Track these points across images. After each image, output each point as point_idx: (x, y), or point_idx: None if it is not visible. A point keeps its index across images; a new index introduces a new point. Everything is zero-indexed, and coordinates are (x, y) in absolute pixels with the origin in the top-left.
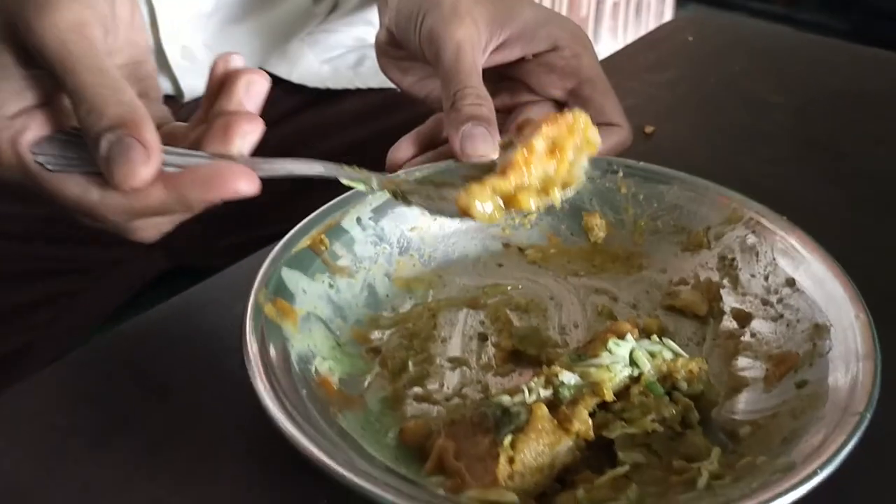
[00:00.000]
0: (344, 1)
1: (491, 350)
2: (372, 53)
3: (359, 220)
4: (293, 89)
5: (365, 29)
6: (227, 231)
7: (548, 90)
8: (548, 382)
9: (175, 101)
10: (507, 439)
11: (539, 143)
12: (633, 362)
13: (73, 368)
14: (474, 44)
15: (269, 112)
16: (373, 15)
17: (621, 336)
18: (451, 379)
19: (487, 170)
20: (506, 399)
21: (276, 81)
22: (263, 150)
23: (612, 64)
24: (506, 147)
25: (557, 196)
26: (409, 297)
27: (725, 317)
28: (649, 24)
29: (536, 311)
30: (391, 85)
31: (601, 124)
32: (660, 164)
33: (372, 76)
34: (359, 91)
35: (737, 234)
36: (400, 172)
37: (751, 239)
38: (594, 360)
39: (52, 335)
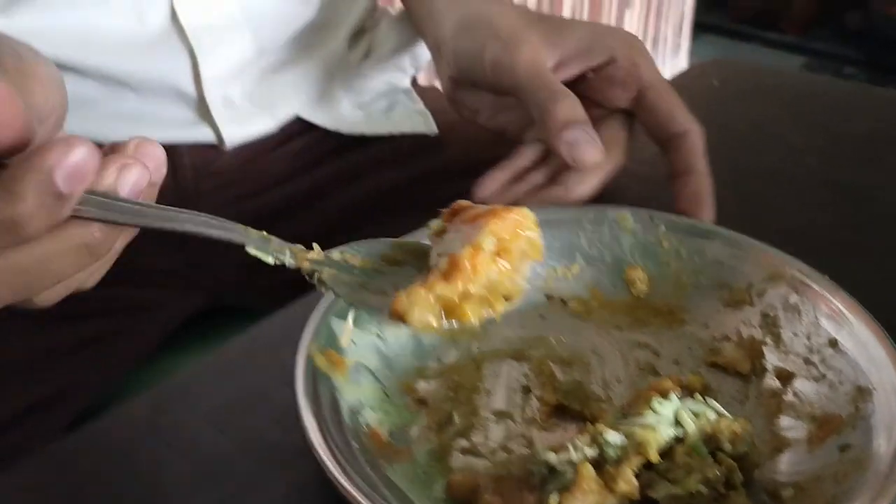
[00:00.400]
0: (376, 47)
1: (535, 403)
2: (403, 98)
3: None
4: (328, 135)
5: (395, 74)
6: (266, 270)
7: (613, 102)
8: (593, 441)
9: (217, 149)
10: (554, 499)
11: (488, 242)
12: (677, 422)
13: (98, 434)
14: (543, 59)
15: (305, 157)
16: (402, 61)
17: (664, 394)
18: (497, 432)
19: (414, 253)
20: (552, 457)
21: (312, 128)
22: (297, 194)
23: None
24: (439, 233)
25: (501, 310)
26: (453, 347)
27: (768, 375)
28: (665, 56)
29: (579, 365)
30: (423, 130)
31: (673, 134)
32: None
33: (404, 121)
34: (392, 137)
35: (779, 293)
36: (324, 250)
37: (793, 298)
38: (639, 420)
39: (87, 378)
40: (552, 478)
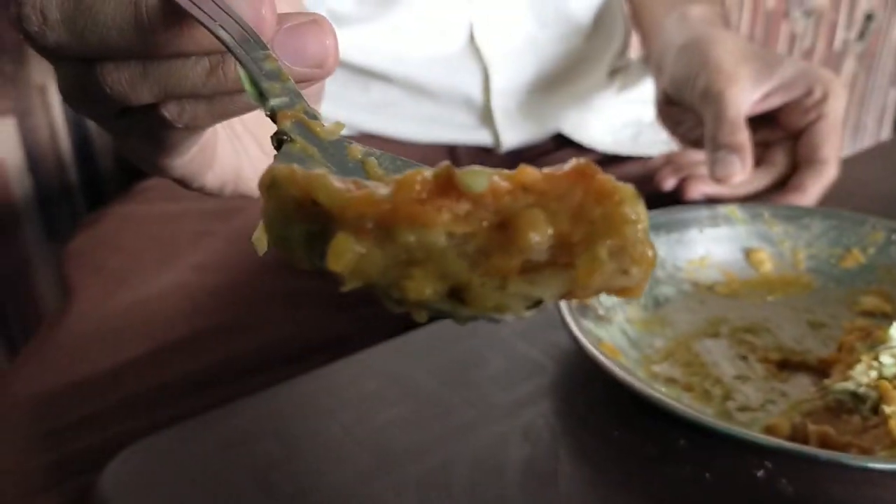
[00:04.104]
0: (627, 84)
1: (759, 366)
2: (646, 130)
3: None
4: (582, 151)
5: (642, 108)
6: None
7: (793, 125)
8: (868, 367)
9: (490, 152)
10: (886, 409)
11: (532, 175)
12: None
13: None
14: (737, 94)
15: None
16: (647, 92)
17: (867, 331)
18: (751, 391)
19: None
20: (850, 385)
21: (569, 144)
22: None
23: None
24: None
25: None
26: (654, 337)
27: None
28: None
29: (764, 332)
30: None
31: (811, 159)
32: None
33: (647, 148)
34: (639, 158)
35: (886, 244)
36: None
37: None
38: (888, 345)
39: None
40: (859, 401)
